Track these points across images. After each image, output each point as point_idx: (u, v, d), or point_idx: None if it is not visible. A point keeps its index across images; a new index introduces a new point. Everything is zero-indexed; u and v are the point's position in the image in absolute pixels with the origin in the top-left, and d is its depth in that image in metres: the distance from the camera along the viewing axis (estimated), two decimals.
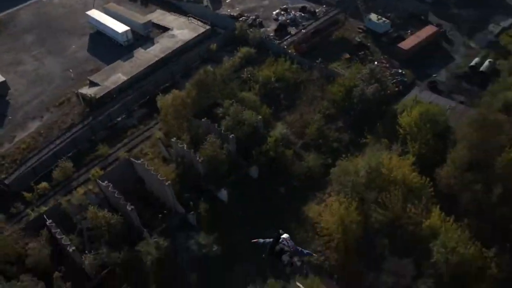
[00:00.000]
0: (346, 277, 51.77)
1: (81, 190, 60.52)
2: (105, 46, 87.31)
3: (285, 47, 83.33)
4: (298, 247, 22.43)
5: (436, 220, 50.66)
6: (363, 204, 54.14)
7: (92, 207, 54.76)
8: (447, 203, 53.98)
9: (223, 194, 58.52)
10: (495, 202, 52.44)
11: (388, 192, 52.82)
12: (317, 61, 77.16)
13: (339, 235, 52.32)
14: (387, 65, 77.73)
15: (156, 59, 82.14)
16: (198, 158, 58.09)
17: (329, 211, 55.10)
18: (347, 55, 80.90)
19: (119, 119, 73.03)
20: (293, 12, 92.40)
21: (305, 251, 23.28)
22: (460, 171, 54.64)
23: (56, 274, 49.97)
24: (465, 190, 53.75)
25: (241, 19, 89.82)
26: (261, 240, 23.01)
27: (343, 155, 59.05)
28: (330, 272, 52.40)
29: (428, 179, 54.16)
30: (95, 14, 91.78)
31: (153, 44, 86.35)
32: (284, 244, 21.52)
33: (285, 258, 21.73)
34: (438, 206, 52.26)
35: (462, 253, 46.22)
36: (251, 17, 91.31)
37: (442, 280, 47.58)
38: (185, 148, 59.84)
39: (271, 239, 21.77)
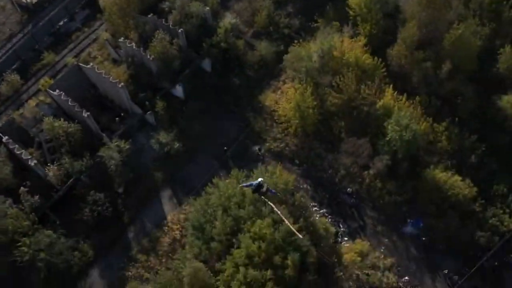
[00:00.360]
0: (306, 161, 53.78)
1: (32, 102, 58.59)
2: None
3: None
4: (270, 188, 38.33)
5: (389, 100, 52.02)
6: (318, 88, 54.72)
7: (47, 118, 53.39)
8: (399, 82, 55.25)
9: (178, 90, 57.87)
10: (444, 78, 53.90)
11: (342, 75, 53.39)
12: None
13: (297, 121, 53.50)
14: None
15: None
16: (148, 56, 56.43)
17: (285, 98, 55.88)
18: None
19: (61, 23, 68.91)
20: None
21: (273, 191, 39.06)
22: (410, 50, 55.11)
23: (22, 189, 49.58)
24: (416, 68, 54.74)
25: None
26: (249, 183, 38.57)
27: (295, 41, 58.28)
28: (290, 158, 54.11)
29: (380, 59, 54.57)
30: None
31: None
32: (262, 185, 37.14)
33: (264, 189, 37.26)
34: (390, 86, 53.46)
35: (414, 129, 48.05)
36: None
37: (396, 157, 49.95)
38: (134, 47, 57.75)
39: (256, 182, 37.13)
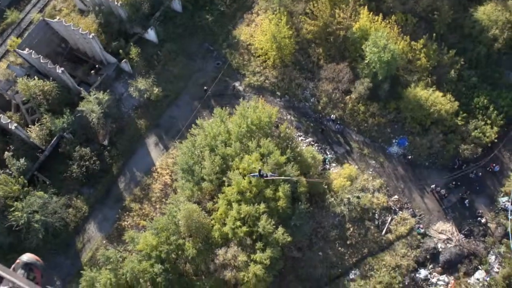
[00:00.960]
0: (287, 92, 53.38)
1: (2, 64, 56.88)
2: None
3: None
4: (269, 173, 40.58)
5: (365, 22, 51.10)
6: (292, 17, 53.64)
7: (21, 78, 51.89)
8: (373, 3, 54.17)
9: (151, 34, 56.27)
10: None
11: (315, 1, 52.02)
12: None
13: (274, 52, 52.64)
14: None
15: None
16: (116, 3, 54.30)
17: (260, 31, 54.65)
18: None
19: None
20: None
21: (273, 174, 41.01)
22: None
23: (7, 154, 49.11)
24: None
25: None
26: (253, 174, 40.73)
27: None
28: (271, 90, 53.65)
29: None
30: None
31: None
32: (263, 173, 39.98)
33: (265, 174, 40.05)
34: (365, 7, 52.28)
35: (392, 49, 47.46)
36: None
37: (377, 79, 49.71)
38: None
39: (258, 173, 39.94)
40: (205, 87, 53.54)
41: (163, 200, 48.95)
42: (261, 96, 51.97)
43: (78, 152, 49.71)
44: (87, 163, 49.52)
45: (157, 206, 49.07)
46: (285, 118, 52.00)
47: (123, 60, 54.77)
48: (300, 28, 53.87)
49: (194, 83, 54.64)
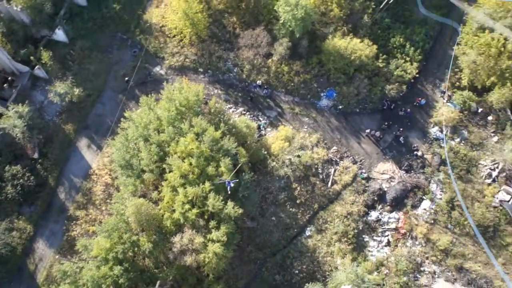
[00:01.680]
0: (209, 67, 53.03)
1: None
2: None
3: None
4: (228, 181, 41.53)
5: None
6: None
7: None
8: None
9: (59, 34, 54.08)
10: None
11: None
12: None
13: (189, 30, 51.97)
14: None
15: None
16: (15, 8, 51.63)
17: (170, 10, 53.63)
18: None
19: None
20: None
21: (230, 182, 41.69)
22: None
23: None
24: None
25: None
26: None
27: None
28: (193, 68, 53.11)
29: None
30: None
31: None
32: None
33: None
34: None
35: (305, 4, 47.77)
36: None
37: (295, 37, 50.14)
38: None
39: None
40: (126, 78, 52.32)
41: (108, 201, 48.08)
42: (184, 76, 51.45)
43: (8, 172, 47.81)
44: (20, 181, 47.76)
45: (103, 208, 48.22)
46: (212, 93, 51.81)
47: (36, 67, 52.52)
48: (210, 0, 53.21)
49: (114, 76, 53.33)
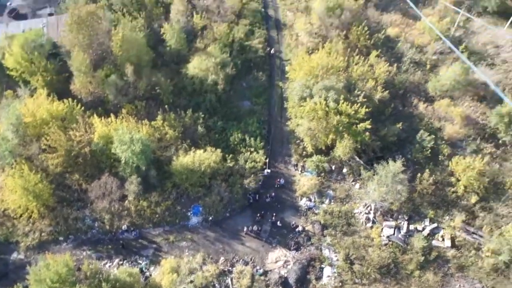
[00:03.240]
0: (68, 232, 51.73)
1: None
2: None
3: None
4: None
5: (102, 128, 53.00)
6: (32, 161, 53.03)
7: None
8: (100, 108, 57.25)
9: None
10: (131, 81, 57.85)
11: (46, 135, 52.53)
12: None
13: (34, 203, 50.71)
14: None
15: None
16: None
17: (8, 191, 51.70)
18: None
19: None
20: None
21: None
22: (90, 74, 57.07)
23: None
24: (106, 86, 57.18)
25: None
26: None
27: None
28: (53, 239, 51.43)
29: (71, 99, 55.90)
30: None
31: None
32: None
33: None
34: (94, 116, 54.71)
35: (139, 137, 49.90)
36: None
37: (141, 170, 51.61)
38: None
39: None
40: None
41: None
42: (46, 251, 49.20)
43: None
44: None
45: None
46: (82, 256, 50.18)
47: None
48: (46, 167, 52.87)
49: None
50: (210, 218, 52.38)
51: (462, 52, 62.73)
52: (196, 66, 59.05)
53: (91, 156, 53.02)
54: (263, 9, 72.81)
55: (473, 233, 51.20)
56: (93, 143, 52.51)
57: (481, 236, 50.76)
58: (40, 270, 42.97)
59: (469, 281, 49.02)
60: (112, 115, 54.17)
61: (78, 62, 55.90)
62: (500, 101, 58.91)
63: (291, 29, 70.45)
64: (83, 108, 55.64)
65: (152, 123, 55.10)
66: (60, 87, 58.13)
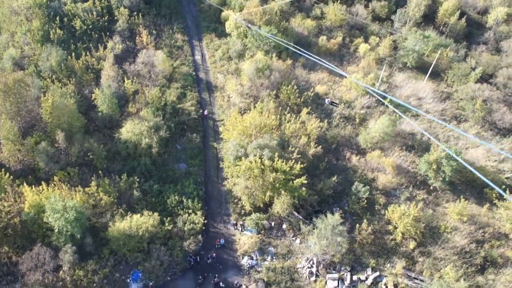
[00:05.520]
0: None
1: None
2: None
3: None
4: None
5: (33, 197, 53.29)
6: None
7: None
8: (29, 176, 58.00)
9: None
10: (62, 148, 59.03)
11: None
12: None
13: None
14: None
15: None
16: None
17: None
18: None
19: None
20: None
21: None
22: (18, 141, 57.90)
23: None
24: (36, 153, 58.04)
25: None
26: None
27: None
28: None
29: None
30: None
31: None
32: None
33: None
34: (24, 185, 55.04)
35: (73, 205, 50.57)
36: None
37: (76, 238, 51.76)
38: None
39: None
40: None
41: None
42: None
43: None
44: None
45: None
46: None
47: None
48: None
49: None
50: (151, 283, 52.90)
51: (387, 106, 69.24)
52: (129, 130, 61.38)
53: (21, 227, 52.92)
54: (194, 72, 77.19)
55: (415, 278, 54.76)
56: (23, 213, 52.61)
57: (422, 281, 54.31)
58: None
59: None
60: (43, 183, 54.72)
61: (6, 130, 56.82)
62: (427, 149, 65.27)
63: (222, 90, 74.93)
64: (11, 177, 55.88)
65: (86, 189, 56.08)
66: None
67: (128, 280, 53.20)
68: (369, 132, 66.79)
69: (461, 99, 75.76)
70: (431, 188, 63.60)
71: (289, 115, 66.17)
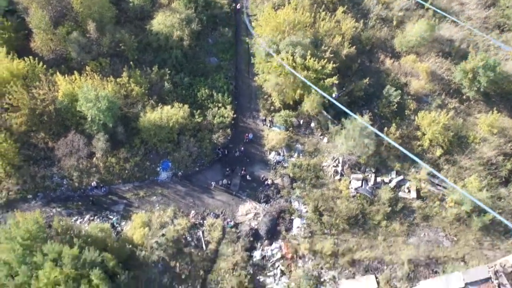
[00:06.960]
0: (37, 189, 55.07)
1: None
2: None
3: None
4: None
5: (66, 86, 55.92)
6: None
7: None
8: (62, 66, 60.56)
9: None
10: (94, 38, 60.43)
11: (8, 93, 55.23)
12: None
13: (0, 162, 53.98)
14: None
15: None
16: None
17: None
18: None
19: None
20: None
21: None
22: (50, 32, 59.58)
23: None
24: (67, 43, 60.14)
25: None
26: None
27: None
28: (21, 198, 54.72)
29: (32, 56, 58.35)
30: None
31: None
32: None
33: None
34: (57, 73, 57.74)
35: (105, 95, 53.35)
36: None
37: (109, 127, 55.14)
38: None
39: None
40: None
41: None
42: (15, 209, 52.58)
43: None
44: None
45: None
46: (52, 213, 53.63)
47: None
48: (10, 126, 55.76)
49: None
50: (180, 173, 56.57)
51: (427, 10, 68.20)
52: (160, 22, 62.38)
53: (56, 114, 56.22)
54: None
55: (438, 184, 56.90)
56: (57, 101, 55.54)
57: (445, 188, 56.46)
58: (10, 228, 46.41)
59: (433, 230, 54.83)
60: (76, 72, 56.94)
61: (37, 19, 58.29)
62: (464, 57, 64.81)
63: None
64: (45, 66, 58.26)
65: (118, 80, 58.43)
66: (19, 45, 60.48)
67: (158, 169, 56.88)
68: (406, 36, 66.25)
69: (507, 7, 73.36)
70: (464, 97, 63.82)
71: (324, 13, 65.70)
